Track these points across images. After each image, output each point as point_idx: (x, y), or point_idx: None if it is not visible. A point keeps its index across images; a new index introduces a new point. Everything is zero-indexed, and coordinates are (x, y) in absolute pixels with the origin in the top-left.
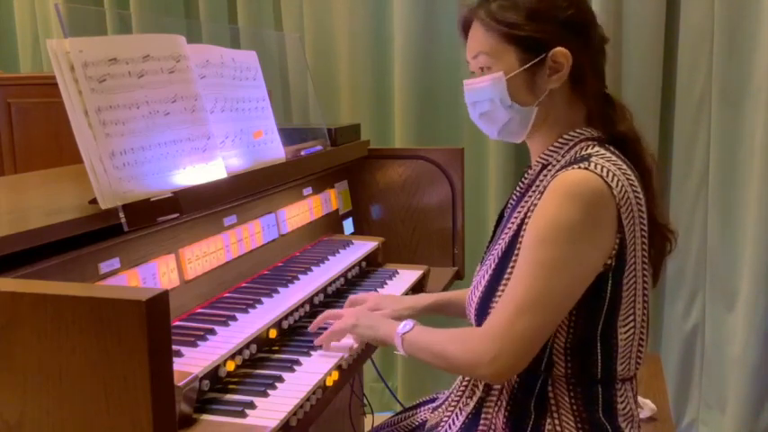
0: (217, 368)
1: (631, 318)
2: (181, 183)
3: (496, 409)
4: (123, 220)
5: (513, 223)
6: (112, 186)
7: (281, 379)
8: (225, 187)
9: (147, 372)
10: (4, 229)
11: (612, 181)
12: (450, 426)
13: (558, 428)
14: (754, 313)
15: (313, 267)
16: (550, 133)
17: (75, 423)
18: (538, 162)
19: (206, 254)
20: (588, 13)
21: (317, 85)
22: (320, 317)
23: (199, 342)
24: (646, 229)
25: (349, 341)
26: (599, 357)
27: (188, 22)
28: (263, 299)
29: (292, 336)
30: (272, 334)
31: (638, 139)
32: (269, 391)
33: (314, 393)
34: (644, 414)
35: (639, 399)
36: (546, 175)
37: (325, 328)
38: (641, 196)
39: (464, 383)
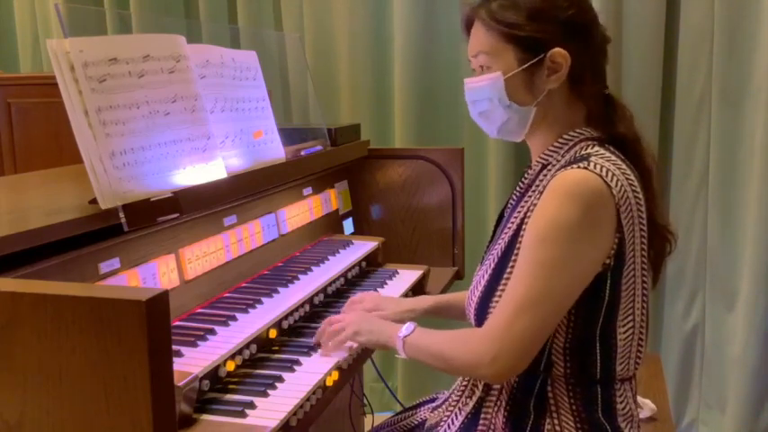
0: (217, 368)
1: (630, 318)
2: (181, 183)
3: (496, 409)
4: (123, 220)
5: (512, 223)
6: (112, 186)
7: (281, 379)
8: (225, 187)
9: (147, 372)
10: (4, 229)
11: (612, 181)
12: (449, 425)
13: (558, 428)
14: (754, 313)
15: (313, 267)
16: (550, 133)
17: (75, 423)
18: (538, 162)
19: (206, 254)
20: (589, 13)
21: (317, 85)
22: (322, 329)
23: (199, 342)
24: (645, 229)
25: (348, 343)
26: (598, 357)
27: (188, 22)
28: (263, 299)
29: (292, 336)
30: (272, 334)
31: (638, 139)
32: (269, 391)
33: (314, 393)
34: (644, 414)
35: (639, 399)
36: (546, 175)
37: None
38: (641, 196)
39: (464, 383)
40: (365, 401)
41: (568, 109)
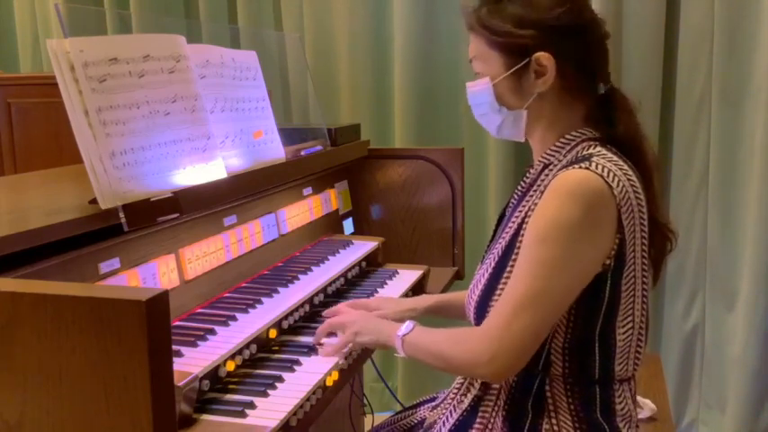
0: (217, 368)
1: (630, 319)
2: (181, 183)
3: (494, 408)
4: (123, 220)
5: (513, 223)
6: (112, 186)
7: (281, 379)
8: (225, 187)
9: (147, 372)
10: (4, 229)
11: (613, 181)
12: (444, 422)
13: (556, 428)
14: (754, 313)
15: (313, 267)
16: (550, 133)
17: (75, 423)
18: (540, 161)
19: (206, 254)
20: (579, 15)
21: (317, 85)
22: (323, 327)
23: (199, 342)
24: (646, 229)
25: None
26: (597, 357)
27: (188, 22)
28: (263, 299)
29: (292, 336)
30: (272, 334)
31: (638, 137)
32: (269, 391)
33: (314, 393)
34: (644, 414)
35: (639, 399)
36: (547, 175)
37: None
38: (642, 197)
39: (460, 380)
40: (365, 401)
41: (564, 110)
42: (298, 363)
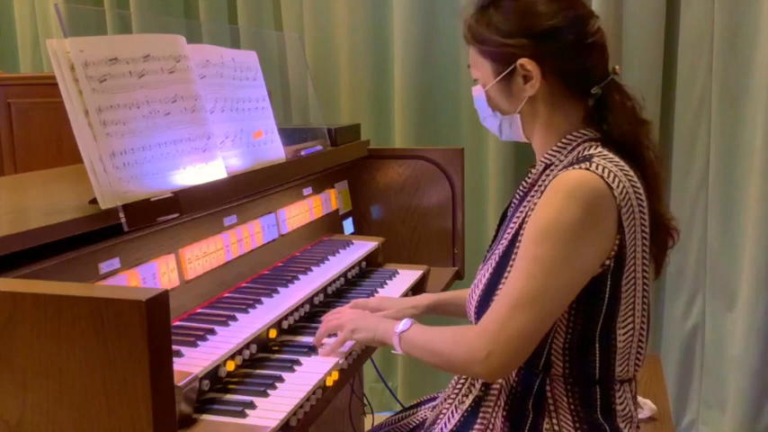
0: (217, 368)
1: (630, 319)
2: (181, 183)
3: (494, 408)
4: (123, 220)
5: (514, 223)
6: (112, 186)
7: (281, 379)
8: (225, 187)
9: (147, 372)
10: (4, 229)
11: (614, 182)
12: (446, 423)
13: (557, 428)
14: (754, 313)
15: (313, 267)
16: (549, 135)
17: (74, 423)
18: (541, 162)
19: (206, 254)
20: (564, 18)
21: (317, 85)
22: (322, 329)
23: (199, 342)
24: (647, 230)
25: (349, 343)
26: (597, 358)
27: (188, 22)
28: (263, 299)
29: (292, 336)
30: (272, 334)
31: (637, 138)
32: (269, 391)
33: (314, 393)
34: (644, 414)
35: (639, 399)
36: (549, 175)
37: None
38: (643, 197)
39: (461, 380)
40: (365, 401)
41: (559, 112)
42: (298, 363)
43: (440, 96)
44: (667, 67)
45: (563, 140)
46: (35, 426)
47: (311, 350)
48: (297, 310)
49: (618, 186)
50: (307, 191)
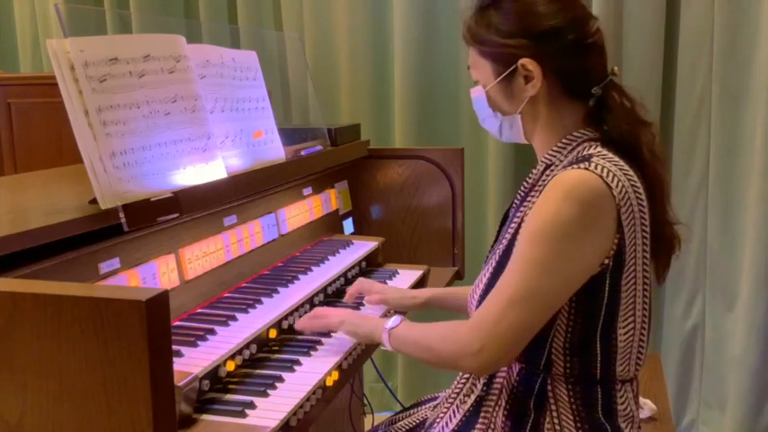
0: (217, 368)
1: (631, 319)
2: (181, 183)
3: (496, 407)
4: (123, 220)
5: (515, 223)
6: (112, 186)
7: (281, 379)
8: (225, 187)
9: (147, 372)
10: (4, 229)
11: (613, 182)
12: (447, 422)
13: (558, 427)
14: (754, 313)
15: (313, 267)
16: (550, 135)
17: (74, 423)
18: (542, 162)
19: (206, 254)
20: (562, 17)
21: (317, 85)
22: (311, 314)
23: (199, 342)
24: (647, 229)
25: (348, 343)
26: (598, 358)
27: (188, 22)
28: (263, 299)
29: (292, 336)
30: (272, 334)
31: (637, 137)
32: (269, 391)
33: (314, 393)
34: (644, 414)
35: (639, 399)
36: (549, 175)
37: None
38: (643, 197)
39: (462, 380)
40: (365, 401)
41: (559, 112)
42: (298, 363)
43: (440, 96)
44: (667, 67)
45: (563, 141)
46: (35, 426)
47: (311, 350)
48: (297, 310)
49: (617, 186)
50: (307, 191)
